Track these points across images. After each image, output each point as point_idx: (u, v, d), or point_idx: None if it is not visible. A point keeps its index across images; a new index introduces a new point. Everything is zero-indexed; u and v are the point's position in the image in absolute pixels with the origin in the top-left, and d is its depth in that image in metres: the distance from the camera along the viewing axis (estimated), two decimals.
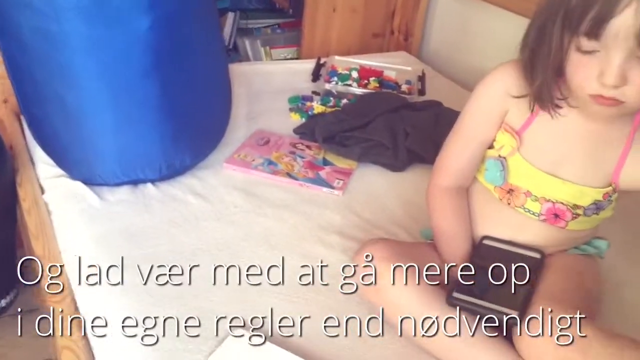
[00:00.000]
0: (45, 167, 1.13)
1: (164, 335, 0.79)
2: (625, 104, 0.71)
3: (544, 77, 0.75)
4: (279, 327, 0.82)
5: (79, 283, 0.90)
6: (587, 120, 0.79)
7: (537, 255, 0.85)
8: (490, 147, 0.87)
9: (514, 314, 0.74)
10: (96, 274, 0.89)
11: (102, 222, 0.99)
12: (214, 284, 0.88)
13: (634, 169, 0.80)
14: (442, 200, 0.90)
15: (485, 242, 0.87)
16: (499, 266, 0.82)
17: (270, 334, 0.80)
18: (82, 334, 0.83)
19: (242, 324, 0.81)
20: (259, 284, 0.89)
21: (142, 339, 0.78)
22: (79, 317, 0.86)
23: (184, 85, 1.03)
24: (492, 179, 0.85)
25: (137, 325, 0.80)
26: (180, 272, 0.89)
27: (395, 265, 0.78)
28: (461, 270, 0.82)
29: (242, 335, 0.78)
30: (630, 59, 0.66)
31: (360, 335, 0.82)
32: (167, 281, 0.87)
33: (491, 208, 0.88)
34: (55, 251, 0.97)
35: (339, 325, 0.83)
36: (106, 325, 0.81)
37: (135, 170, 1.06)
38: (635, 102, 0.70)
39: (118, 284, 0.87)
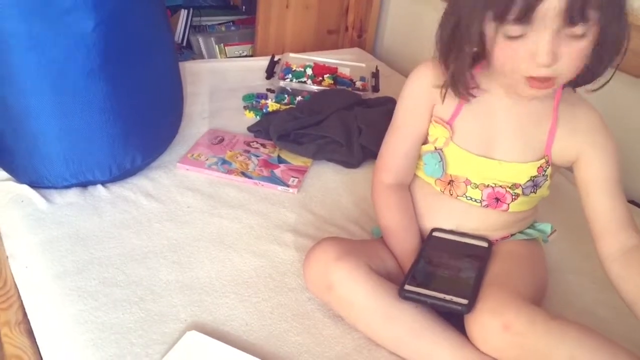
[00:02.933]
0: None
1: (114, 340, 0.77)
2: (558, 79, 0.74)
3: (457, 66, 0.78)
4: (234, 327, 0.81)
5: (27, 289, 0.87)
6: (512, 100, 0.82)
7: (485, 244, 0.88)
8: (425, 142, 0.89)
9: (464, 302, 0.76)
10: (44, 280, 0.87)
11: (50, 226, 0.97)
12: (167, 286, 0.87)
13: (564, 140, 0.84)
14: (386, 197, 0.91)
15: (435, 234, 0.89)
16: (448, 257, 0.84)
17: (224, 335, 0.80)
18: (32, 341, 0.81)
19: (196, 326, 0.80)
20: (213, 284, 0.88)
21: (92, 344, 0.76)
22: (27, 324, 0.84)
23: (131, 84, 1.01)
24: (432, 171, 0.88)
25: (86, 331, 0.78)
26: (131, 276, 0.88)
27: (346, 263, 0.78)
28: (412, 264, 0.83)
29: (196, 338, 0.77)
30: (558, 37, 0.70)
31: (314, 332, 0.82)
32: (118, 285, 0.86)
33: (435, 201, 0.90)
34: (2, 257, 0.94)
35: (293, 324, 0.83)
36: (55, 332, 0.80)
37: (83, 172, 1.03)
38: (567, 75, 0.75)
39: (67, 289, 0.85)
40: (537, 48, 0.70)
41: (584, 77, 0.79)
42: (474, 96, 0.82)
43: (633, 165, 1.27)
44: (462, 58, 0.77)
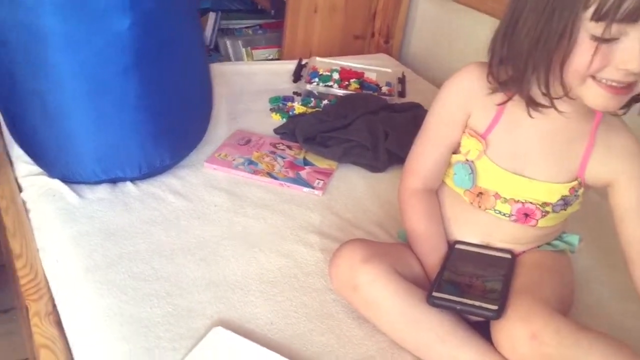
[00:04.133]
0: (23, 165, 1.11)
1: (142, 333, 0.79)
2: (636, 88, 0.71)
3: (542, 75, 0.73)
4: (259, 325, 0.82)
5: (58, 281, 0.89)
6: (549, 119, 0.80)
7: (508, 256, 0.87)
8: (457, 152, 0.88)
9: (494, 308, 0.75)
10: (74, 273, 0.89)
11: (81, 220, 0.99)
12: (194, 282, 0.88)
13: (599, 164, 0.82)
14: (413, 202, 0.91)
15: (458, 246, 0.89)
16: (473, 267, 0.84)
17: (249, 332, 0.81)
18: (60, 332, 0.83)
19: (222, 323, 0.81)
20: (239, 282, 0.89)
21: (120, 337, 0.78)
22: (57, 316, 0.85)
23: (164, 84, 1.03)
24: (461, 182, 0.87)
25: (115, 324, 0.80)
26: (160, 271, 0.89)
27: (372, 265, 0.79)
28: (438, 272, 0.83)
29: (222, 334, 0.78)
30: None
31: (338, 333, 0.82)
32: (146, 280, 0.87)
33: (462, 211, 0.89)
34: (33, 250, 0.96)
35: (317, 324, 0.83)
36: (84, 324, 0.81)
37: (114, 169, 1.05)
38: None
39: (97, 282, 0.86)
40: (629, 54, 0.66)
41: None
42: (558, 110, 0.76)
43: None
44: (548, 68, 0.72)
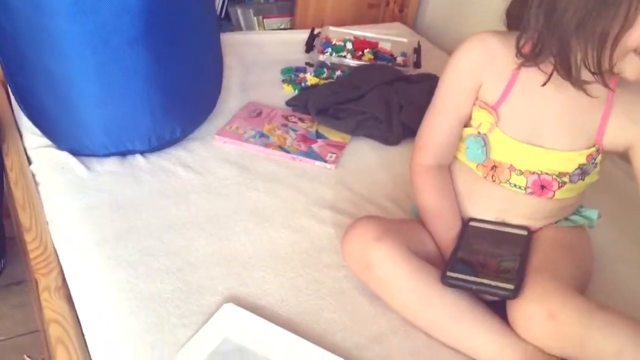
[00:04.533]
0: (32, 137, 1.10)
1: (152, 309, 0.78)
2: None
3: (595, 49, 0.69)
4: (269, 302, 0.81)
5: (67, 255, 0.88)
6: (564, 87, 0.77)
7: (524, 232, 0.85)
8: (468, 125, 0.86)
9: (510, 287, 0.74)
10: (84, 246, 0.88)
11: (90, 193, 0.98)
12: (204, 258, 0.87)
13: (618, 128, 0.80)
14: (424, 179, 0.89)
15: (472, 223, 0.87)
16: (488, 245, 0.82)
17: (260, 309, 0.80)
18: (70, 306, 0.82)
19: (232, 299, 0.80)
20: (250, 257, 0.88)
21: (130, 312, 0.77)
22: (66, 290, 0.85)
23: (174, 55, 1.00)
24: (474, 156, 0.84)
25: (125, 299, 0.79)
26: (170, 246, 0.88)
27: (385, 243, 0.77)
28: (452, 250, 0.81)
29: (233, 310, 0.77)
30: None
31: (350, 310, 0.81)
32: (156, 255, 0.86)
33: (476, 187, 0.87)
34: (42, 223, 0.95)
35: (329, 300, 0.82)
36: (94, 299, 0.81)
37: (123, 141, 1.04)
38: None
39: (106, 256, 0.85)
40: None
41: None
42: (608, 86, 0.74)
43: None
44: (603, 39, 0.68)
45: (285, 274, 0.86)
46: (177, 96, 1.04)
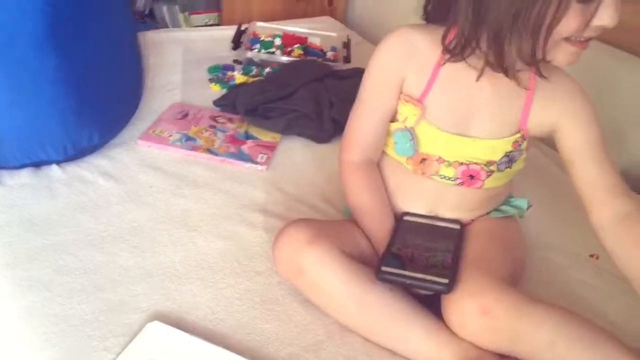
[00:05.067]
0: None
1: (70, 333, 0.72)
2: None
3: (529, 40, 0.70)
4: (199, 316, 0.77)
5: None
6: (486, 75, 0.77)
7: (457, 226, 0.85)
8: (394, 120, 0.85)
9: (444, 281, 0.73)
10: None
11: (1, 209, 0.90)
12: (126, 273, 0.82)
13: (541, 113, 0.81)
14: (354, 176, 0.87)
15: (406, 218, 0.86)
16: (422, 239, 0.81)
17: (188, 324, 0.75)
18: None
19: (158, 316, 0.75)
20: (176, 270, 0.83)
21: (45, 339, 0.71)
22: None
23: (84, 55, 0.94)
24: (403, 150, 0.83)
25: (39, 325, 0.73)
26: (88, 263, 0.82)
27: (317, 246, 0.74)
28: (387, 246, 0.80)
29: (158, 328, 0.73)
30: None
31: (284, 319, 0.78)
32: (73, 273, 0.80)
33: (407, 181, 0.86)
34: None
35: (262, 310, 0.79)
36: (3, 326, 0.74)
37: (36, 151, 0.97)
38: None
39: (17, 278, 0.79)
40: (609, 11, 0.67)
41: None
42: (543, 76, 0.75)
43: (617, 135, 1.25)
44: (536, 31, 0.69)
45: (215, 284, 0.82)
46: (91, 99, 0.98)
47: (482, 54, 0.74)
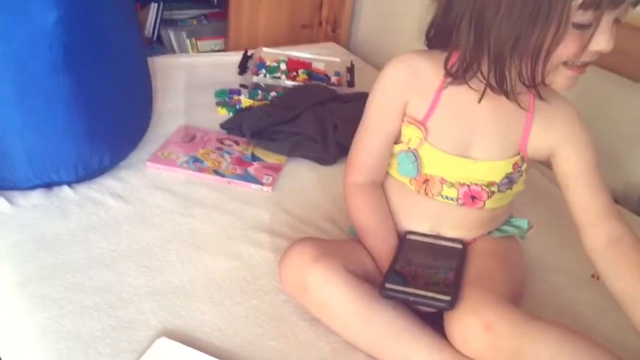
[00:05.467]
0: None
1: (81, 349, 0.74)
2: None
3: (529, 63, 0.72)
4: (206, 333, 0.78)
5: None
6: (487, 97, 0.79)
7: (459, 246, 0.87)
8: (398, 141, 0.87)
9: (447, 299, 0.74)
10: (6, 286, 0.83)
11: (14, 229, 0.93)
12: (136, 291, 0.84)
13: (540, 136, 0.83)
14: (358, 197, 0.89)
15: (410, 237, 0.87)
16: (425, 257, 0.83)
17: (195, 341, 0.77)
18: None
19: (166, 333, 0.77)
20: (184, 288, 0.85)
21: (57, 355, 0.73)
22: None
23: (97, 80, 0.97)
24: (406, 171, 0.86)
25: (51, 341, 0.75)
26: (99, 281, 0.84)
27: (322, 264, 0.76)
28: (390, 264, 0.82)
29: (166, 345, 0.74)
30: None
31: (290, 336, 0.80)
32: (84, 291, 0.82)
33: (410, 201, 0.88)
34: None
35: (268, 328, 0.80)
36: (18, 342, 0.76)
37: (48, 172, 0.99)
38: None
39: (30, 295, 0.81)
40: (604, 36, 0.69)
41: None
42: (542, 98, 0.77)
43: (614, 161, 1.28)
44: (536, 54, 0.71)
45: (222, 302, 0.84)
46: (103, 122, 1.01)
47: (483, 77, 0.77)
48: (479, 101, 0.80)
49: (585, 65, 0.74)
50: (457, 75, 0.79)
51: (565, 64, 0.73)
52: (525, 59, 0.72)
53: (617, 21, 0.71)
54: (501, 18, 0.70)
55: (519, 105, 0.78)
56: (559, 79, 0.75)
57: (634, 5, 0.70)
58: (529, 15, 0.68)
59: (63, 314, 0.79)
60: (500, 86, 0.76)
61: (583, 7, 0.67)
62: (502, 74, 0.74)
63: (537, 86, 0.75)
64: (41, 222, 0.95)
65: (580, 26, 0.69)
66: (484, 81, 0.77)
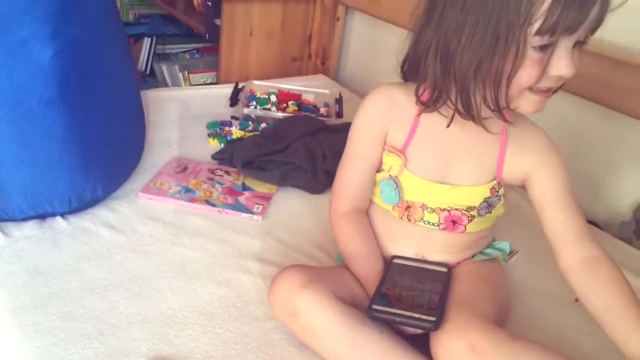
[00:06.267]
0: None
1: None
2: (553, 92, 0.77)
3: (492, 89, 0.75)
4: (198, 359, 0.80)
5: None
6: (462, 125, 0.82)
7: (444, 269, 0.89)
8: (380, 170, 0.90)
9: (432, 319, 0.76)
10: (0, 315, 0.84)
11: (7, 259, 0.94)
12: (128, 319, 0.85)
13: (515, 160, 0.86)
14: (344, 225, 0.91)
15: (396, 261, 0.89)
16: (411, 280, 0.85)
17: None
18: None
19: (157, 359, 0.78)
20: (175, 315, 0.87)
21: None
22: None
23: (92, 114, 1.00)
24: (389, 199, 0.88)
25: None
26: (91, 310, 0.86)
27: (310, 290, 0.78)
28: (377, 286, 0.83)
29: None
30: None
31: None
32: (77, 320, 0.83)
33: (393, 227, 0.91)
34: None
35: (258, 354, 0.82)
36: None
37: (42, 203, 1.01)
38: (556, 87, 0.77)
39: (23, 324, 0.82)
40: (563, 61, 0.71)
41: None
42: (507, 120, 0.79)
43: (595, 187, 1.31)
44: (498, 80, 0.74)
45: (213, 329, 0.85)
46: (97, 155, 1.03)
47: (452, 103, 0.80)
48: (447, 126, 0.82)
49: (550, 90, 0.76)
50: (428, 104, 0.82)
51: (530, 88, 0.75)
52: (489, 84, 0.75)
53: (580, 44, 0.73)
54: (464, 46, 0.73)
55: (486, 129, 0.80)
56: (525, 102, 0.77)
57: (592, 31, 0.72)
58: (489, 42, 0.71)
59: (56, 342, 0.80)
60: (467, 111, 0.79)
61: (539, 33, 0.70)
62: (467, 100, 0.78)
63: (501, 110, 0.77)
64: (34, 252, 0.96)
65: (539, 50, 0.71)
66: (453, 108, 0.80)
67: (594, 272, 0.81)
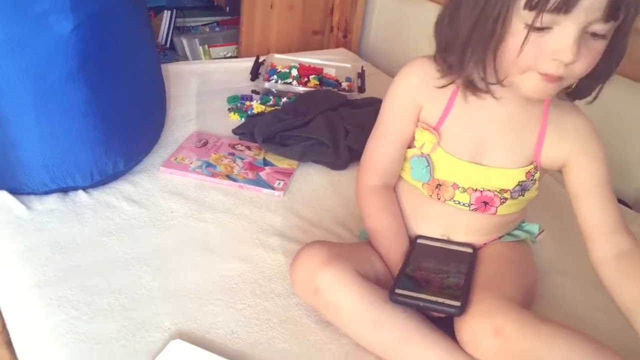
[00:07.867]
0: None
1: (96, 350, 0.75)
2: (565, 81, 0.73)
3: (480, 60, 0.73)
4: (219, 335, 0.80)
5: (6, 299, 0.85)
6: (501, 104, 0.80)
7: (470, 250, 0.87)
8: (411, 146, 0.88)
9: (457, 304, 0.75)
10: (24, 289, 0.85)
11: (30, 234, 0.94)
12: (150, 294, 0.85)
13: (554, 145, 0.83)
14: (371, 199, 0.90)
15: (420, 241, 0.88)
16: (435, 262, 0.83)
17: (209, 343, 0.78)
18: (11, 353, 0.79)
19: (180, 334, 0.78)
20: (198, 291, 0.87)
21: (74, 356, 0.74)
22: (7, 335, 0.81)
23: (112, 88, 0.99)
24: (419, 176, 0.86)
25: (68, 342, 0.76)
26: (114, 284, 0.86)
27: (333, 267, 0.77)
28: (400, 268, 0.82)
29: (180, 346, 0.76)
30: (582, 35, 0.68)
31: (302, 339, 0.81)
32: (99, 294, 0.84)
33: (422, 205, 0.89)
34: None
35: (280, 330, 0.81)
36: (35, 343, 0.77)
37: (64, 177, 1.01)
38: (576, 77, 0.73)
39: (47, 298, 0.82)
40: (562, 44, 0.67)
41: (582, 87, 0.77)
42: (493, 92, 0.78)
43: (625, 166, 1.27)
44: (486, 49, 0.72)
45: (235, 305, 0.85)
46: (118, 129, 1.02)
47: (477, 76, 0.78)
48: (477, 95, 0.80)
49: (557, 77, 0.71)
50: (443, 71, 0.80)
51: (539, 72, 0.71)
52: (476, 58, 0.73)
53: (595, 35, 0.69)
54: (462, 10, 0.72)
55: (493, 95, 0.78)
56: (528, 84, 0.73)
57: (605, 20, 0.67)
58: (480, 7, 0.70)
59: (78, 315, 0.80)
60: (469, 85, 0.78)
61: (528, 7, 0.67)
62: (461, 68, 0.76)
63: (488, 85, 0.76)
64: (57, 226, 0.97)
65: (530, 27, 0.68)
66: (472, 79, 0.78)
67: (626, 265, 0.79)
